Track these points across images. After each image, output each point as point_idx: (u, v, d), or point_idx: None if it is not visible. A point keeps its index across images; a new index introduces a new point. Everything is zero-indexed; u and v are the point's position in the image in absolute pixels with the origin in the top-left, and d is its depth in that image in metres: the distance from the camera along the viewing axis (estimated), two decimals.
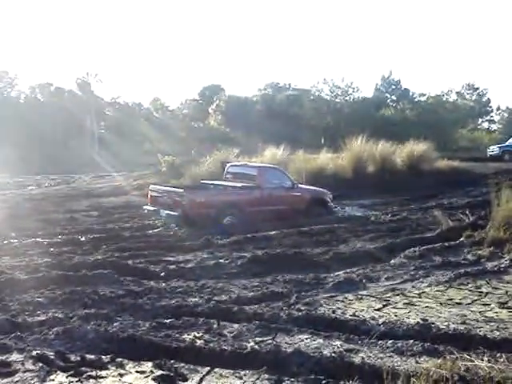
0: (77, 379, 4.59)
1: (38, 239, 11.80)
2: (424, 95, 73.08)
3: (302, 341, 5.50)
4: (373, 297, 7.35)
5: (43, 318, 6.14)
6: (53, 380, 4.57)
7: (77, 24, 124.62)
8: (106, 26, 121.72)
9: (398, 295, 7.42)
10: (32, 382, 4.51)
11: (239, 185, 14.99)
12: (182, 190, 13.82)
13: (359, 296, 7.39)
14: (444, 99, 73.33)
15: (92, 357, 5.01)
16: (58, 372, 4.70)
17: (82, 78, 69.15)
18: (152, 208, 14.25)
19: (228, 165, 17.15)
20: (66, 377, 4.61)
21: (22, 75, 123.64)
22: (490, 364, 4.62)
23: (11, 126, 49.18)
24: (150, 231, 13.28)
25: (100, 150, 47.25)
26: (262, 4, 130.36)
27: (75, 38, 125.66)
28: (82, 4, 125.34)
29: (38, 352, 5.01)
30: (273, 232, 12.27)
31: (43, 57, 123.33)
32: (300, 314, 6.38)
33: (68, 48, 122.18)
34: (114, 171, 35.59)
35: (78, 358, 4.98)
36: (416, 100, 72.04)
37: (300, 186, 16.21)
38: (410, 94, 73.80)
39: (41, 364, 4.78)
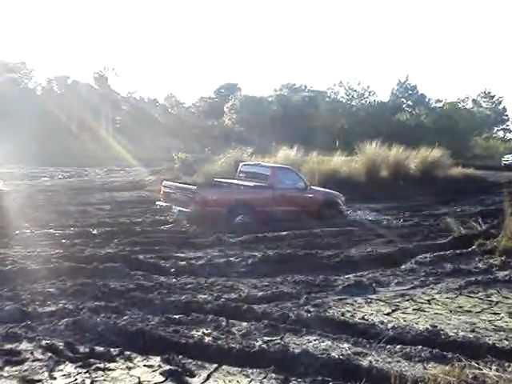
0: (85, 370, 4.62)
1: (50, 230, 11.86)
2: (440, 101, 72.77)
3: (310, 342, 5.50)
4: (382, 301, 7.33)
5: (53, 309, 6.18)
6: (61, 370, 4.60)
7: (95, 19, 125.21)
8: (124, 21, 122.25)
9: (407, 301, 7.39)
10: (40, 371, 4.54)
11: (252, 184, 15.00)
12: (194, 188, 13.85)
13: (369, 300, 7.37)
14: (460, 106, 72.96)
15: (101, 349, 5.04)
16: (67, 362, 4.73)
17: (99, 72, 69.58)
18: (164, 204, 14.28)
19: (241, 164, 17.17)
20: (75, 368, 4.64)
21: (39, 67, 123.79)
22: (497, 373, 4.61)
23: (27, 117, 49.42)
24: (162, 227, 13.30)
25: (115, 145, 47.37)
26: (282, 5, 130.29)
27: (93, 32, 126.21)
28: None
29: (48, 342, 5.06)
30: (284, 233, 12.27)
31: (61, 50, 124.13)
32: (309, 315, 6.37)
33: (86, 42, 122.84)
34: (128, 166, 35.71)
35: (87, 350, 5.01)
36: (432, 106, 71.70)
37: (313, 187, 16.20)
38: (426, 99, 73.49)
39: (50, 354, 4.82)
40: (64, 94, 64.49)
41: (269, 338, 5.52)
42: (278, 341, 5.47)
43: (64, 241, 10.69)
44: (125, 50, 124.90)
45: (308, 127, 57.76)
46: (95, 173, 32.91)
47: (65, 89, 66.43)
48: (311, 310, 6.70)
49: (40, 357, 4.78)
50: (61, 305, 6.35)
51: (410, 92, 74.61)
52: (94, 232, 11.85)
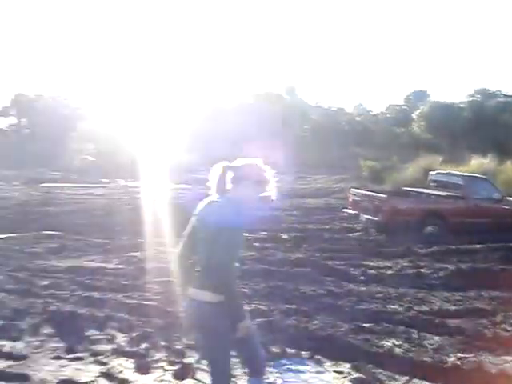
0: (276, 370, 4.76)
1: None
2: None
3: (508, 363, 5.18)
4: None
5: (248, 309, 6.43)
6: None
7: (282, 32, 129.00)
8: (313, 34, 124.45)
9: None
10: (235, 367, 4.74)
11: (443, 194, 14.48)
12: (383, 196, 13.65)
13: None
14: None
15: (292, 351, 5.17)
16: None
17: (288, 83, 71.62)
18: (352, 211, 14.24)
19: (432, 172, 16.66)
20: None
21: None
22: None
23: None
24: (350, 234, 13.28)
25: (302, 153, 48.34)
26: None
27: (282, 45, 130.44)
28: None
29: None
30: (478, 245, 11.63)
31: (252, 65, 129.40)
32: (507, 334, 6.02)
33: (278, 54, 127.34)
34: (316, 173, 36.23)
35: (279, 351, 5.17)
36: None
37: (509, 198, 15.24)
38: None
39: None
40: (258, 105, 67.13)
41: (462, 355, 5.29)
42: (473, 358, 5.22)
43: (256, 244, 11.09)
44: (314, 62, 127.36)
45: (503, 134, 54.52)
46: (284, 180, 33.72)
47: (259, 100, 69.16)
48: (508, 328, 6.32)
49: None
50: (254, 305, 6.60)
51: None
52: (285, 237, 12.16)
